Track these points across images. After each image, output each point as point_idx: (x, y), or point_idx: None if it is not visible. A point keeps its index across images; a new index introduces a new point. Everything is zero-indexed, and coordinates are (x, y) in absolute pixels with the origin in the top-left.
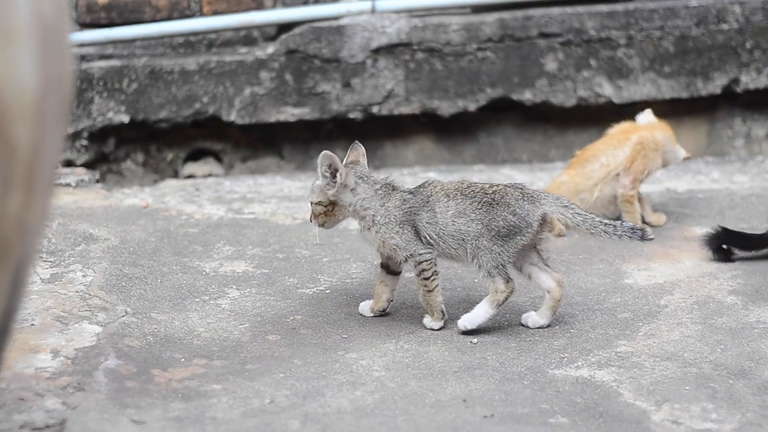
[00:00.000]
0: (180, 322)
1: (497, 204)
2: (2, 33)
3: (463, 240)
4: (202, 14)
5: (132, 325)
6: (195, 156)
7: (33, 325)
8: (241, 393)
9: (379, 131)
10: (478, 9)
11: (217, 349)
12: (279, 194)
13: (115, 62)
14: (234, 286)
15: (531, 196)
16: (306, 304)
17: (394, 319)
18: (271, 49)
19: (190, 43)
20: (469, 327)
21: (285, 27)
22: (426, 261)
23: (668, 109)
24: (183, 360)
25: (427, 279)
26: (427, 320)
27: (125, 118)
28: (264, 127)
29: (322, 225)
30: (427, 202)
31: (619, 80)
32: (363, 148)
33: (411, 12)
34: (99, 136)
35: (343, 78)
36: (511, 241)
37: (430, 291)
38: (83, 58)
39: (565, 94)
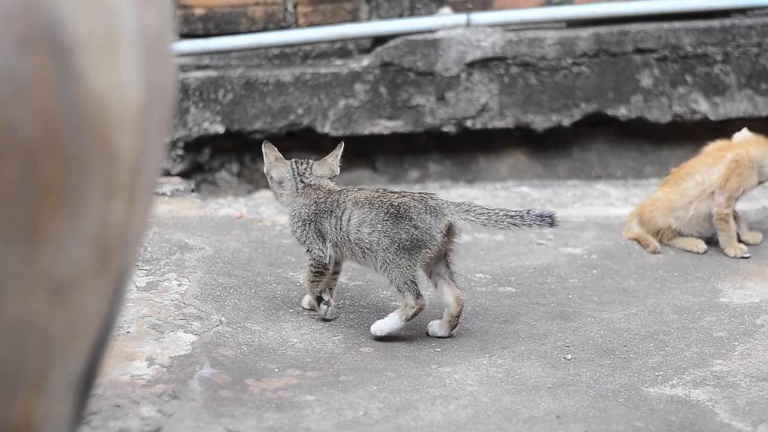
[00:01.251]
0: (274, 332)
1: (401, 217)
2: (107, 41)
3: (369, 249)
4: (297, 26)
5: (226, 335)
6: None
7: (129, 332)
8: (335, 404)
9: (472, 145)
10: (573, 24)
11: (310, 360)
12: None
13: (211, 73)
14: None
15: (433, 209)
16: None
17: (487, 334)
18: (366, 61)
19: (286, 54)
20: (379, 333)
21: (380, 40)
22: (314, 260)
23: (765, 127)
24: (277, 370)
25: (310, 273)
26: (305, 300)
27: (221, 129)
28: (357, 140)
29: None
30: (336, 209)
31: (715, 97)
32: (341, 149)
33: (506, 26)
34: (194, 146)
35: (437, 91)
36: (416, 255)
37: (310, 282)
38: (180, 68)
39: (661, 110)
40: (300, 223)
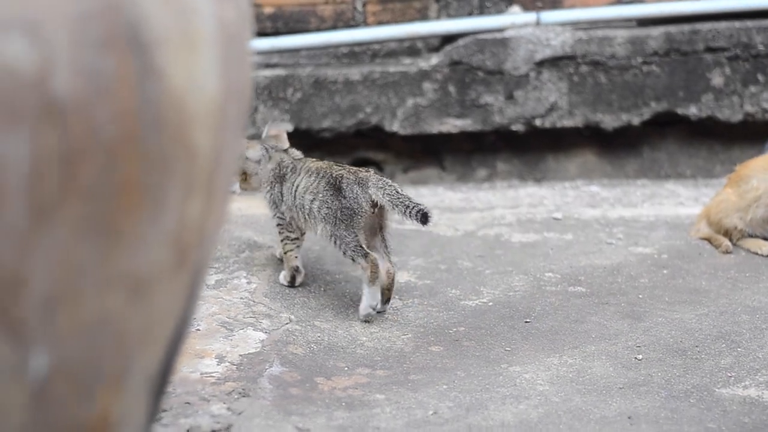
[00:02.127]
0: (343, 330)
1: (338, 189)
2: (186, 40)
3: (309, 215)
4: (366, 25)
5: (296, 333)
6: (357, 165)
7: (199, 330)
8: (405, 403)
9: (541, 144)
10: (643, 22)
11: (380, 359)
12: (440, 205)
13: (280, 71)
14: (397, 296)
15: (361, 180)
16: (469, 315)
17: (557, 333)
18: (434, 60)
19: (354, 53)
20: (364, 313)
21: (449, 38)
22: (278, 225)
23: None
24: (346, 369)
25: (281, 240)
26: (281, 275)
27: (290, 127)
28: (426, 138)
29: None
30: (293, 174)
31: None
32: (286, 125)
33: (576, 25)
34: None
35: (506, 90)
36: (352, 223)
37: (285, 252)
38: None
39: (732, 109)
40: (268, 188)
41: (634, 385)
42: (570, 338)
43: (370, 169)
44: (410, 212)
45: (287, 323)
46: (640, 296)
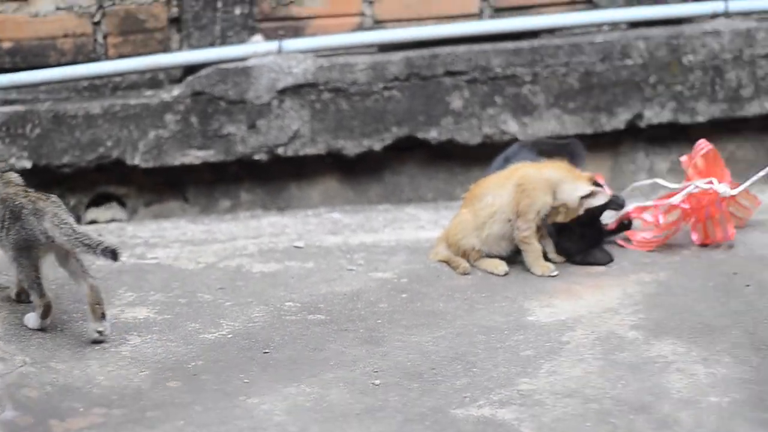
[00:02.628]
0: (80, 370)
1: (17, 218)
2: None
3: (2, 244)
4: (107, 57)
5: (30, 375)
6: (98, 201)
7: None
8: None
9: (284, 172)
10: (384, 48)
11: (116, 398)
12: (182, 238)
13: (18, 107)
14: (135, 333)
15: (39, 211)
16: (208, 349)
17: (296, 363)
18: (176, 91)
19: (95, 86)
20: (28, 325)
21: (191, 69)
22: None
23: None
24: (82, 410)
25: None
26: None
27: (28, 164)
28: (168, 171)
29: None
30: (1, 201)
31: (524, 117)
32: None
33: (318, 52)
34: None
35: (248, 119)
36: (30, 254)
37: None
38: None
39: (471, 131)
40: None
41: (372, 410)
42: (309, 367)
43: (52, 197)
44: (95, 250)
45: (21, 366)
46: (379, 321)
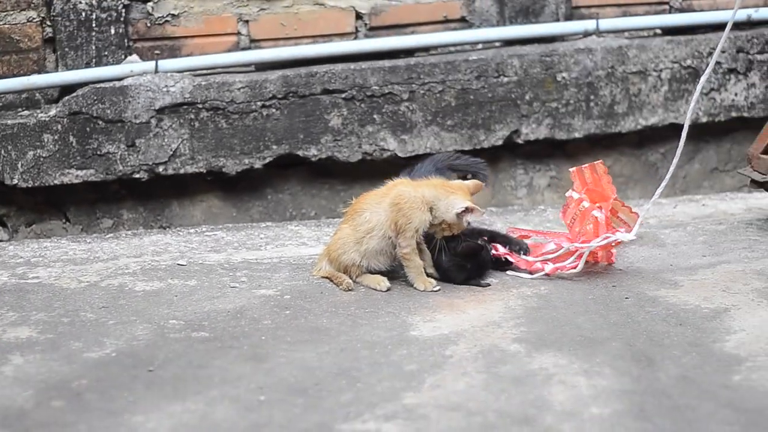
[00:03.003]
0: None
1: None
2: None
3: None
4: None
5: None
6: None
7: None
8: None
9: (166, 191)
10: (261, 67)
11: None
12: (64, 257)
13: None
14: (18, 353)
15: None
16: (91, 368)
17: (180, 380)
18: (53, 111)
19: None
20: None
21: (68, 89)
22: None
23: None
24: None
25: None
26: None
27: None
28: (49, 190)
29: None
30: None
31: (402, 134)
32: None
33: (195, 71)
34: None
35: (127, 138)
36: None
37: None
38: None
39: (350, 149)
40: None
41: (257, 426)
42: (193, 384)
43: None
44: None
45: None
46: (263, 338)
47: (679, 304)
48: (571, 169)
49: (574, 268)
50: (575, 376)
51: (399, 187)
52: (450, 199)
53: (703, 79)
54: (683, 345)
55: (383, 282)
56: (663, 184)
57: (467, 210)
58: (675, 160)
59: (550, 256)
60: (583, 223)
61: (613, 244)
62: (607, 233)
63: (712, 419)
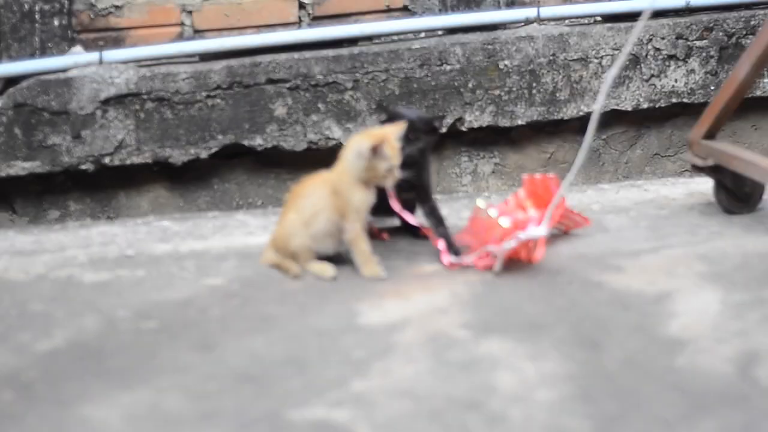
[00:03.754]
0: None
1: None
2: None
3: None
4: None
5: None
6: None
7: None
8: None
9: (112, 182)
10: (206, 57)
11: None
12: (11, 250)
13: None
14: None
15: None
16: (41, 359)
17: (130, 370)
18: None
19: None
20: None
21: (12, 81)
22: None
23: None
24: None
25: None
26: None
27: None
28: None
29: None
30: None
31: (347, 123)
32: None
33: (140, 62)
34: None
35: (73, 130)
36: None
37: None
38: None
39: (296, 138)
40: None
41: (207, 415)
42: (143, 374)
43: None
44: None
45: None
46: (212, 327)
47: (623, 288)
48: (524, 176)
49: (490, 267)
50: (521, 361)
51: (332, 173)
52: (353, 146)
53: (613, 71)
54: (628, 329)
55: (329, 270)
56: (573, 170)
57: (373, 149)
58: (583, 151)
59: (468, 258)
60: (491, 231)
61: (530, 244)
62: (518, 232)
63: (657, 401)
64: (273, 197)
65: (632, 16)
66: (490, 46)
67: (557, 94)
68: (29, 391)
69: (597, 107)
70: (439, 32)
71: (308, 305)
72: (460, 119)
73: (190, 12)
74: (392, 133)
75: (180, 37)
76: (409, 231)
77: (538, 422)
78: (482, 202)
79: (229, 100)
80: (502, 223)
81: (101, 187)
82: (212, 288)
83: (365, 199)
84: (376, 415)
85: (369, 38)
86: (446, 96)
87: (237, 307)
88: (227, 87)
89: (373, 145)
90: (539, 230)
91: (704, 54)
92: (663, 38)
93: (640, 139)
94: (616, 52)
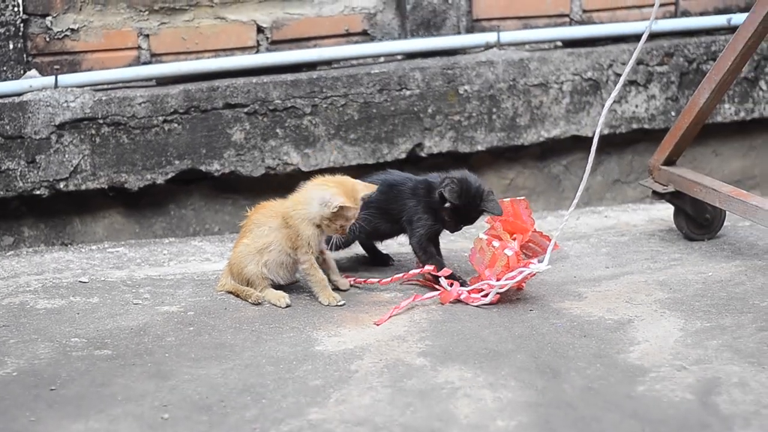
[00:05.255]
0: None
1: None
2: None
3: None
4: None
5: None
6: None
7: None
8: None
9: (67, 207)
10: (163, 81)
11: None
12: None
13: None
14: None
15: None
16: None
17: (83, 399)
18: None
19: None
20: None
21: None
22: None
23: (355, 175)
24: None
25: None
26: None
27: None
28: None
29: None
30: None
31: (306, 148)
32: None
33: (96, 86)
34: None
35: (27, 155)
36: None
37: None
38: None
39: (253, 163)
40: None
41: None
42: (96, 402)
43: None
44: None
45: None
46: (167, 355)
47: (583, 315)
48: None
49: (482, 300)
50: (481, 389)
51: (286, 204)
52: (321, 194)
53: (613, 94)
54: (588, 356)
55: (284, 299)
56: (574, 202)
57: (342, 207)
58: (585, 177)
59: (464, 288)
60: (495, 264)
61: (528, 276)
62: (521, 267)
63: (616, 430)
64: (230, 223)
65: (592, 42)
66: (449, 71)
67: (517, 120)
68: None
69: (597, 130)
70: (399, 57)
71: (265, 333)
72: (420, 145)
73: (147, 36)
74: (360, 191)
75: (137, 60)
76: (379, 262)
77: None
78: (484, 235)
79: (186, 124)
80: (507, 253)
81: (56, 212)
82: (168, 315)
83: (316, 235)
84: None
85: (328, 63)
86: (405, 121)
87: (192, 335)
88: (184, 111)
89: (342, 204)
90: (542, 266)
91: (665, 80)
92: (623, 64)
93: (600, 165)
94: (576, 77)
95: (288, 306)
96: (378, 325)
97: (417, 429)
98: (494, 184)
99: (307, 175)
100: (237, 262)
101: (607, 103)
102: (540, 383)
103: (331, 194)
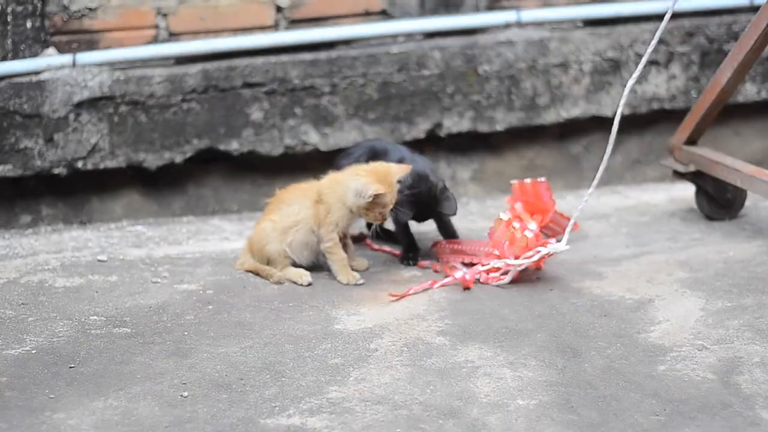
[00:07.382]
0: None
1: None
2: None
3: None
4: None
5: None
6: None
7: None
8: None
9: (85, 186)
10: (181, 60)
11: None
12: None
13: None
14: None
15: None
16: (11, 365)
17: (102, 377)
18: None
19: None
20: None
21: None
22: None
23: None
24: None
25: None
26: None
27: None
28: None
29: None
30: None
31: (325, 128)
32: None
33: (113, 65)
34: None
35: (45, 133)
36: None
37: None
38: None
39: (272, 143)
40: None
41: (180, 422)
42: (115, 380)
43: None
44: None
45: None
46: (186, 333)
47: (603, 295)
48: (513, 182)
49: (501, 279)
50: (501, 368)
51: (324, 181)
52: (357, 184)
53: (635, 73)
54: (608, 336)
55: (305, 276)
56: (594, 182)
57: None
58: (606, 156)
59: (481, 268)
60: (514, 244)
61: (546, 256)
62: (538, 247)
63: (637, 409)
64: (249, 202)
65: (614, 21)
66: (469, 51)
67: (537, 100)
68: (0, 398)
69: (618, 111)
70: (418, 36)
71: (284, 311)
72: (439, 125)
73: (165, 15)
74: (394, 175)
75: (155, 40)
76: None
77: (516, 430)
78: (504, 215)
79: (204, 104)
80: (527, 234)
81: (74, 191)
82: (186, 294)
83: (346, 217)
84: (353, 423)
85: (347, 42)
86: (424, 101)
87: (211, 313)
88: (203, 91)
89: (377, 192)
90: (561, 246)
91: (686, 60)
92: (644, 43)
93: (620, 145)
94: (596, 57)
95: (309, 284)
96: (394, 297)
97: (437, 407)
98: (513, 164)
99: (327, 155)
100: (259, 239)
101: (629, 83)
102: (560, 362)
103: (363, 183)
